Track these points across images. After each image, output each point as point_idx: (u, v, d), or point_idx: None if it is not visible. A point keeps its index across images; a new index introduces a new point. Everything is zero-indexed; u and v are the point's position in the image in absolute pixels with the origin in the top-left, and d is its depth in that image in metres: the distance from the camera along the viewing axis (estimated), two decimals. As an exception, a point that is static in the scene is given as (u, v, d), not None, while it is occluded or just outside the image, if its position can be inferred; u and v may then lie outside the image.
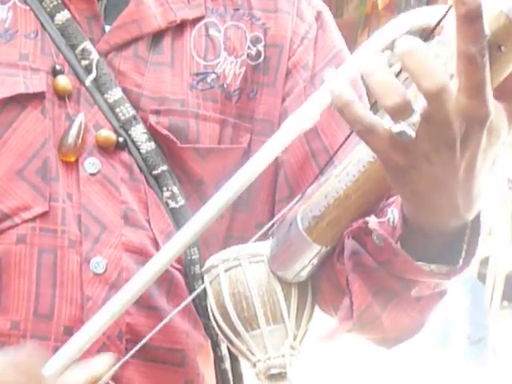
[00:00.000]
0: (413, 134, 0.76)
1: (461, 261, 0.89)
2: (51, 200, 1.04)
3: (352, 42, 5.59)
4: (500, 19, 0.76)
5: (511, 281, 5.51)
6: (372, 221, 0.94)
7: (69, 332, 1.01)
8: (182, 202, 1.07)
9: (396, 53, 0.75)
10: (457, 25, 0.71)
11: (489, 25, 0.76)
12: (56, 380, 0.94)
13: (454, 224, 0.86)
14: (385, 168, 0.81)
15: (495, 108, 0.76)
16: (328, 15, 1.13)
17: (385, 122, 0.77)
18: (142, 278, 0.96)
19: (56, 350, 1.00)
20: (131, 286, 0.96)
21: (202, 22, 1.09)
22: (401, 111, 0.74)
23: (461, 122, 0.75)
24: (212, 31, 1.10)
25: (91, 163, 1.05)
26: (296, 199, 0.98)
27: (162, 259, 0.95)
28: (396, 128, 0.75)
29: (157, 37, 1.07)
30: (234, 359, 1.14)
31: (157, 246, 1.05)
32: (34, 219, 1.04)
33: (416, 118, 0.76)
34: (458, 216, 0.85)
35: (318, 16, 1.12)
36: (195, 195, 1.08)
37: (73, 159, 1.04)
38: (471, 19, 0.70)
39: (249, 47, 1.11)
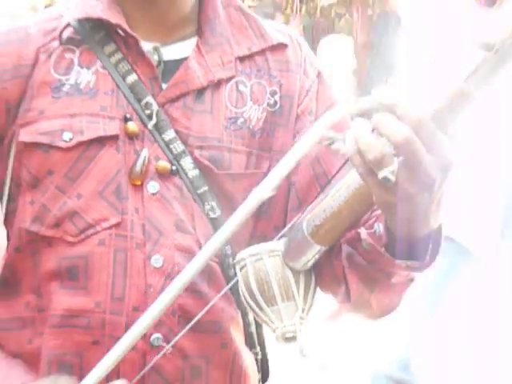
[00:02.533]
0: (393, 179, 0.89)
1: (427, 257, 1.02)
2: (123, 213, 1.18)
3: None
4: (457, 89, 0.90)
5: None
6: (362, 232, 1.06)
7: (136, 310, 1.15)
8: (218, 212, 1.20)
9: (372, 122, 0.89)
10: None
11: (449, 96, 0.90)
12: None
13: (424, 232, 1.00)
14: (377, 204, 0.96)
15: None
16: (325, 74, 1.27)
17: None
18: (188, 272, 1.05)
19: (127, 323, 1.15)
20: (180, 279, 1.05)
21: (233, 80, 1.22)
22: (379, 162, 0.88)
23: (437, 171, 0.90)
24: (241, 87, 1.23)
25: (152, 185, 1.19)
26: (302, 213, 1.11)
27: (203, 257, 1.05)
28: (380, 174, 0.89)
29: (200, 91, 1.21)
30: (258, 325, 1.27)
31: (200, 247, 1.18)
32: (110, 228, 1.18)
33: (394, 165, 0.88)
34: (427, 227, 0.99)
35: (318, 74, 1.26)
36: (228, 207, 1.20)
37: (139, 183, 1.18)
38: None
39: (268, 98, 1.25)
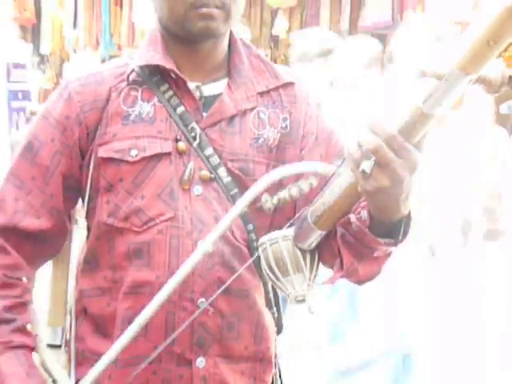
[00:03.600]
0: (368, 171, 1.10)
1: (400, 235, 1.24)
2: (175, 210, 1.40)
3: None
4: (417, 110, 1.09)
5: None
6: (352, 217, 1.27)
7: (185, 282, 1.35)
8: (245, 209, 1.37)
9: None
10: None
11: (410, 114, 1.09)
12: None
13: (397, 217, 1.21)
14: (361, 191, 1.16)
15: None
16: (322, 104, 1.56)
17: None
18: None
19: (179, 291, 1.35)
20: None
21: (255, 110, 1.46)
22: (359, 160, 1.13)
23: (404, 171, 1.11)
24: (261, 115, 1.46)
25: (197, 189, 1.41)
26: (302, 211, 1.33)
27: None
28: (360, 167, 1.13)
29: (231, 118, 1.44)
30: (275, 292, 1.52)
31: (233, 234, 1.41)
32: (166, 220, 1.40)
33: (370, 162, 1.10)
34: (399, 213, 1.20)
35: (318, 105, 1.52)
36: (252, 205, 1.37)
37: (187, 187, 1.41)
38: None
39: (281, 123, 1.48)
